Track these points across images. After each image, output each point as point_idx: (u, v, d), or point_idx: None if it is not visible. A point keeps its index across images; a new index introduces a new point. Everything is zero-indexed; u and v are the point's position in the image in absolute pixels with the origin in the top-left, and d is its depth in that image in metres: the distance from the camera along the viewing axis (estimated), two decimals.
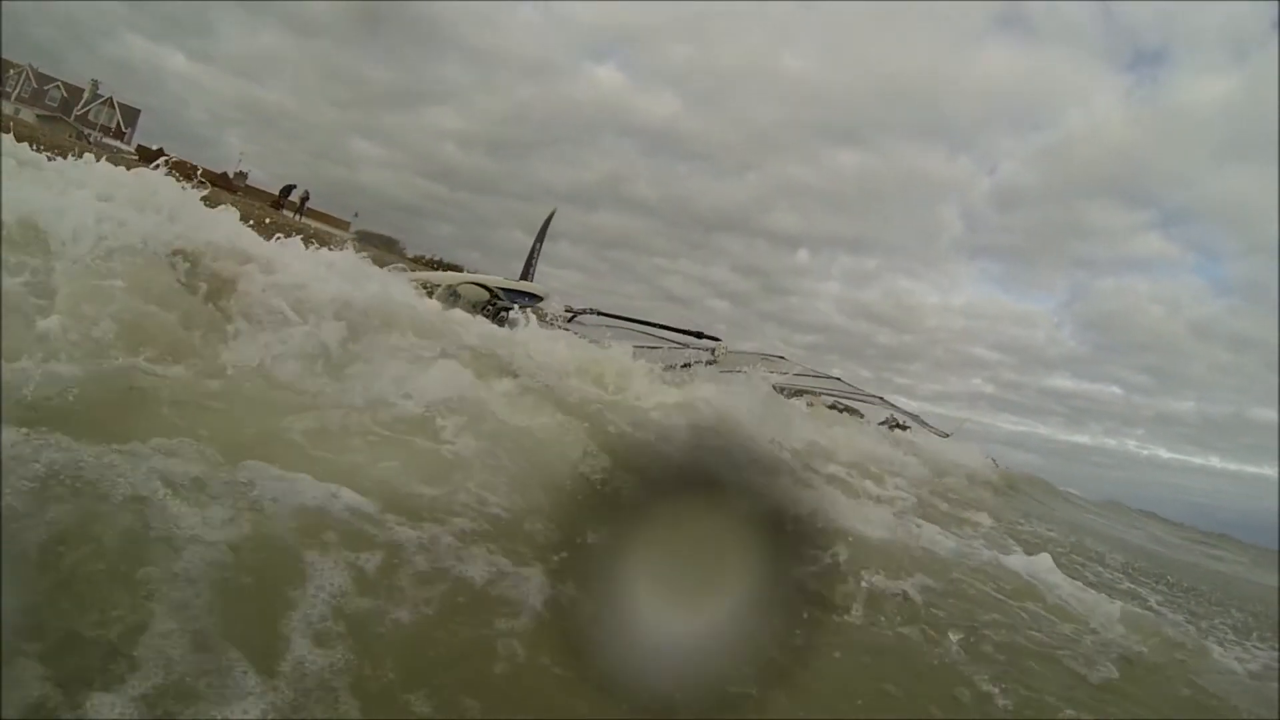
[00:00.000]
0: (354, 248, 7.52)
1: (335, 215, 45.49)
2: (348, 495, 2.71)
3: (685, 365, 11.65)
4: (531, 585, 2.67)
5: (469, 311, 9.83)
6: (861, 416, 16.45)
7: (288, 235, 6.65)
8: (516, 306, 10.32)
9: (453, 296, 10.01)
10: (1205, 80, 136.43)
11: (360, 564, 2.40)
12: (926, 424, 14.56)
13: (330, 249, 6.73)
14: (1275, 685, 4.37)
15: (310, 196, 38.40)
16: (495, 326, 7.57)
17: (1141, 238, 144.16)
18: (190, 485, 2.42)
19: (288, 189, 37.12)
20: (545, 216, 12.04)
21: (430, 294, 9.97)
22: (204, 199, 5.62)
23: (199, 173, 6.06)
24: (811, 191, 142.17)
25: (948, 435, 14.08)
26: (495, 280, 10.48)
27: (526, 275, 10.75)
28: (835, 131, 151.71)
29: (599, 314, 13.23)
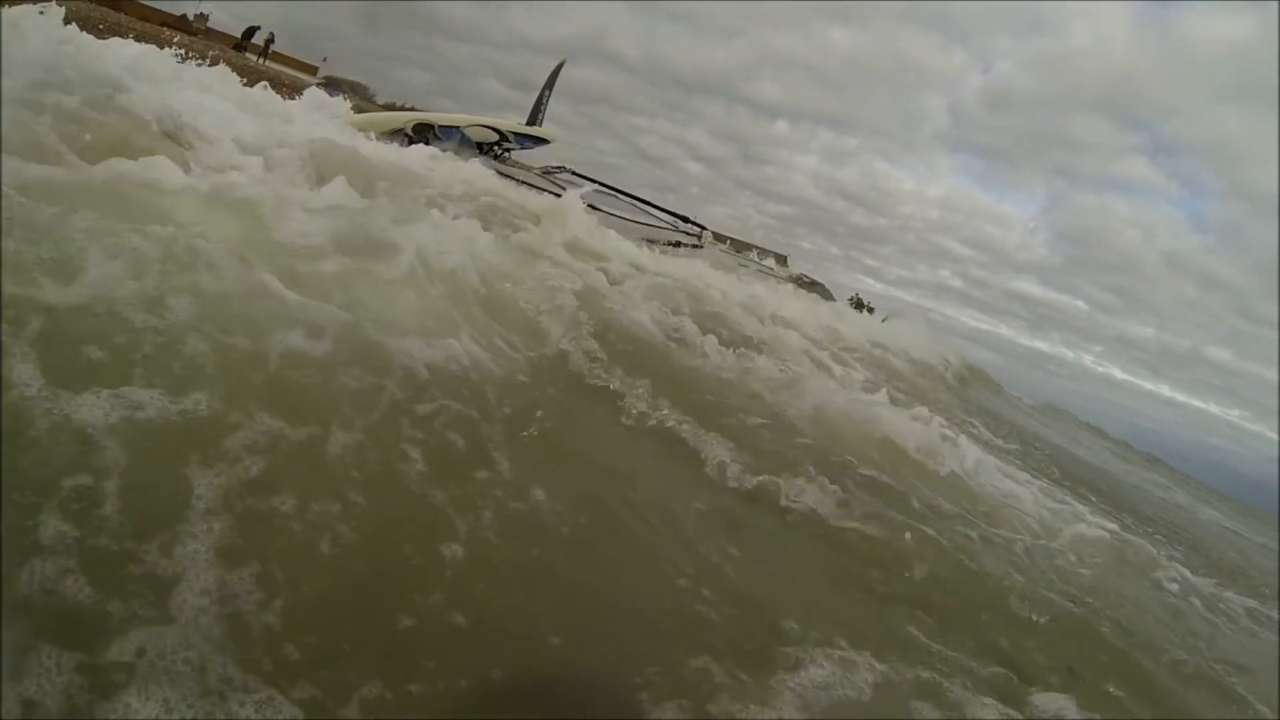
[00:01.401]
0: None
1: (303, 60, 43.15)
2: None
3: (675, 244, 12.16)
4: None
5: (468, 152, 10.21)
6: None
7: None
8: (518, 147, 10.70)
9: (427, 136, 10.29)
10: (1218, 20, 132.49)
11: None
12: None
13: None
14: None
15: (275, 39, 36.29)
16: None
17: (1128, 160, 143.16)
18: None
19: (250, 31, 35.08)
20: (554, 67, 12.28)
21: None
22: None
23: None
24: (798, 64, 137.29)
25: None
26: (508, 124, 10.85)
27: (533, 122, 10.97)
28: (830, 6, 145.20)
29: (575, 174, 13.50)
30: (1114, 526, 5.62)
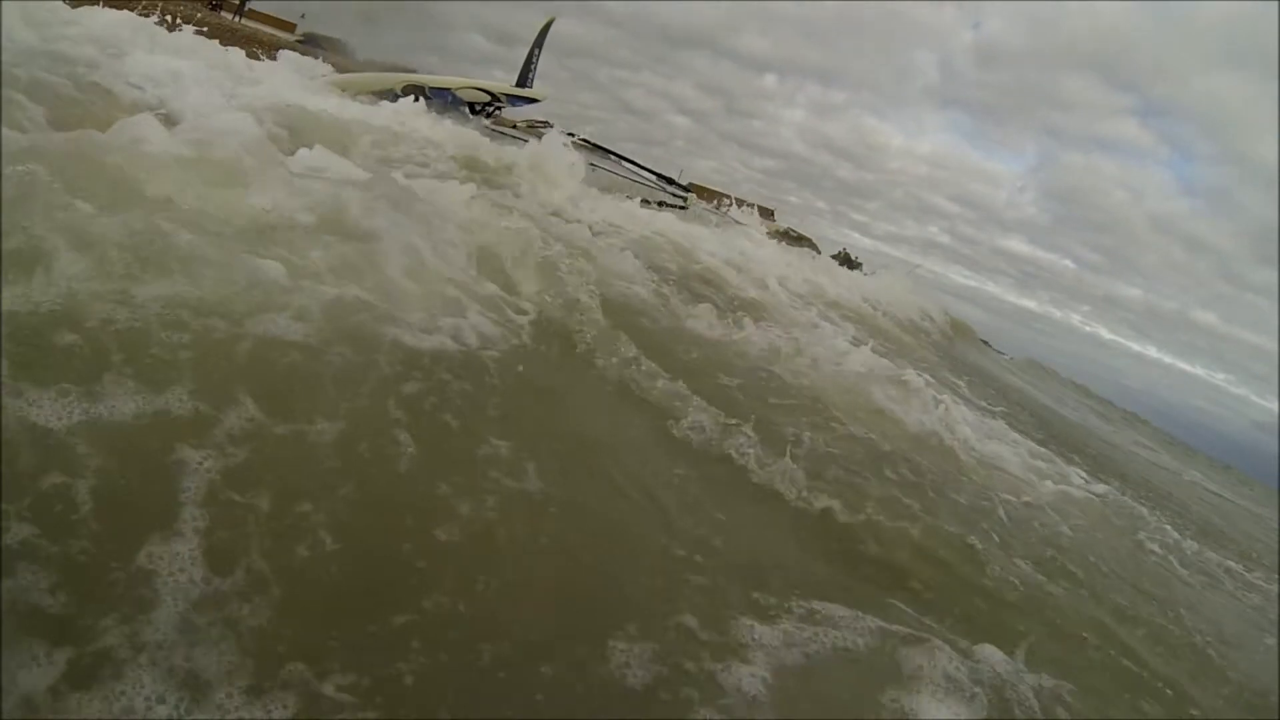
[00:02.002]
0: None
1: (280, 18, 42.06)
2: None
3: (661, 204, 12.21)
4: None
5: (459, 113, 10.19)
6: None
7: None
8: (509, 106, 10.72)
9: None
10: None
11: None
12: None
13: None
14: None
15: None
16: None
17: (1118, 120, 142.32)
18: None
19: None
20: (542, 25, 12.06)
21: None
22: None
23: None
24: (786, 16, 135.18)
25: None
26: (498, 86, 10.90)
27: (523, 82, 10.91)
28: None
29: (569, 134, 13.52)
30: (1100, 489, 5.66)
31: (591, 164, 10.84)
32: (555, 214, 6.11)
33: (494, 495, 2.36)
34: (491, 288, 3.79)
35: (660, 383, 3.68)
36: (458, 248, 3.87)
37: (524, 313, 3.76)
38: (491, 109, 10.59)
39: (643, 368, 3.72)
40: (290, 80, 8.18)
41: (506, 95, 10.72)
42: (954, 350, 13.88)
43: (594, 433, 3.14)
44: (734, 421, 3.54)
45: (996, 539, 3.54)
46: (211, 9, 30.31)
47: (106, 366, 2.10)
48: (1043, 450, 6.59)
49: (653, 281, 5.33)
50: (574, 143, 11.19)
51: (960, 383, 9.15)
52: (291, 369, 2.40)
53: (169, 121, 3.70)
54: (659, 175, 13.31)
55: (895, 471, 3.91)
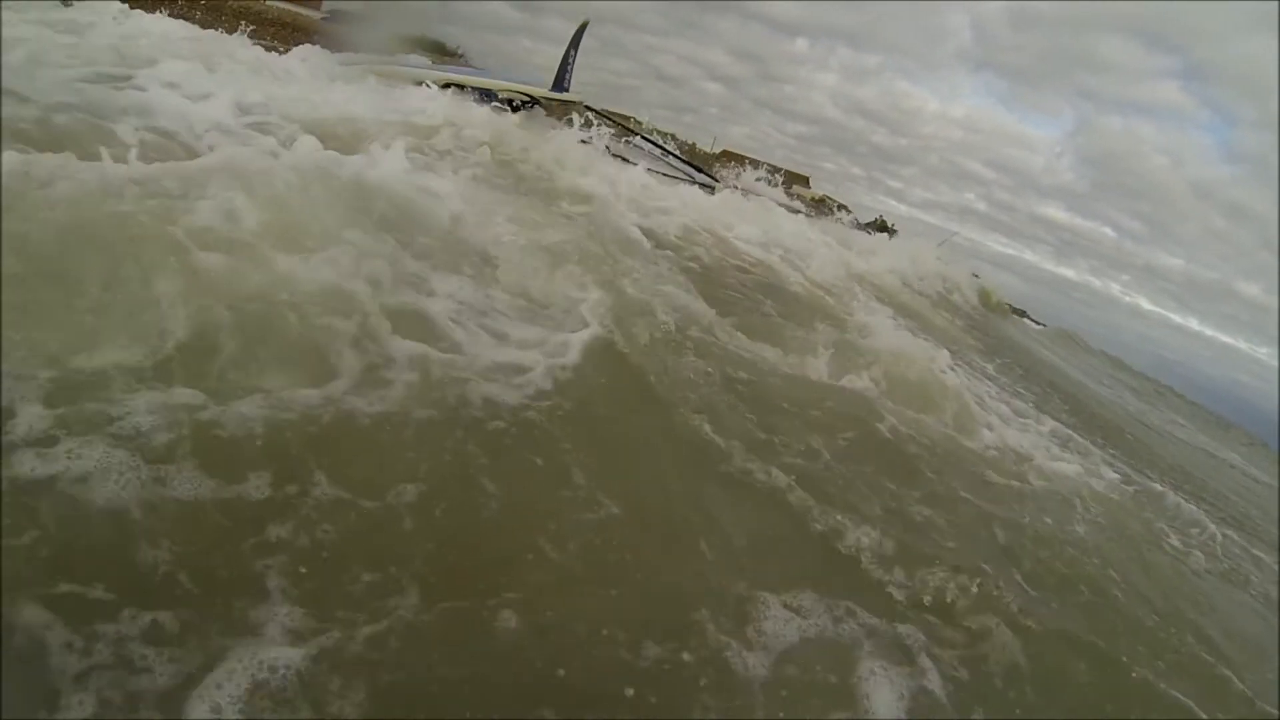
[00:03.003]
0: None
1: None
2: None
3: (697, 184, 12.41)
4: None
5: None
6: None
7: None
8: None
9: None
10: None
11: None
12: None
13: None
14: None
15: None
16: None
17: (1157, 83, 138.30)
18: None
19: None
20: (577, 27, 12.12)
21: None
22: None
23: None
24: None
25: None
26: (538, 90, 11.06)
27: (560, 85, 11.08)
28: None
29: (590, 109, 13.53)
30: (1117, 477, 5.57)
31: (619, 155, 10.88)
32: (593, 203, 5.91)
33: (577, 544, 2.32)
34: (547, 311, 3.70)
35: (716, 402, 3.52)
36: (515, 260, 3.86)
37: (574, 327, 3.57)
38: (530, 107, 10.91)
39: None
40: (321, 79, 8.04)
41: (546, 99, 10.99)
42: (987, 325, 13.66)
43: (654, 461, 2.96)
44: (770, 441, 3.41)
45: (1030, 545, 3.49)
46: None
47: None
48: (1076, 438, 6.53)
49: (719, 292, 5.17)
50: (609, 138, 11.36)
51: (988, 365, 9.03)
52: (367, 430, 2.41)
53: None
54: (687, 162, 13.41)
55: (926, 470, 3.86)
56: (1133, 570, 3.73)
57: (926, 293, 12.81)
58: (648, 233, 5.60)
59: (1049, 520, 3.83)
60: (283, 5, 35.99)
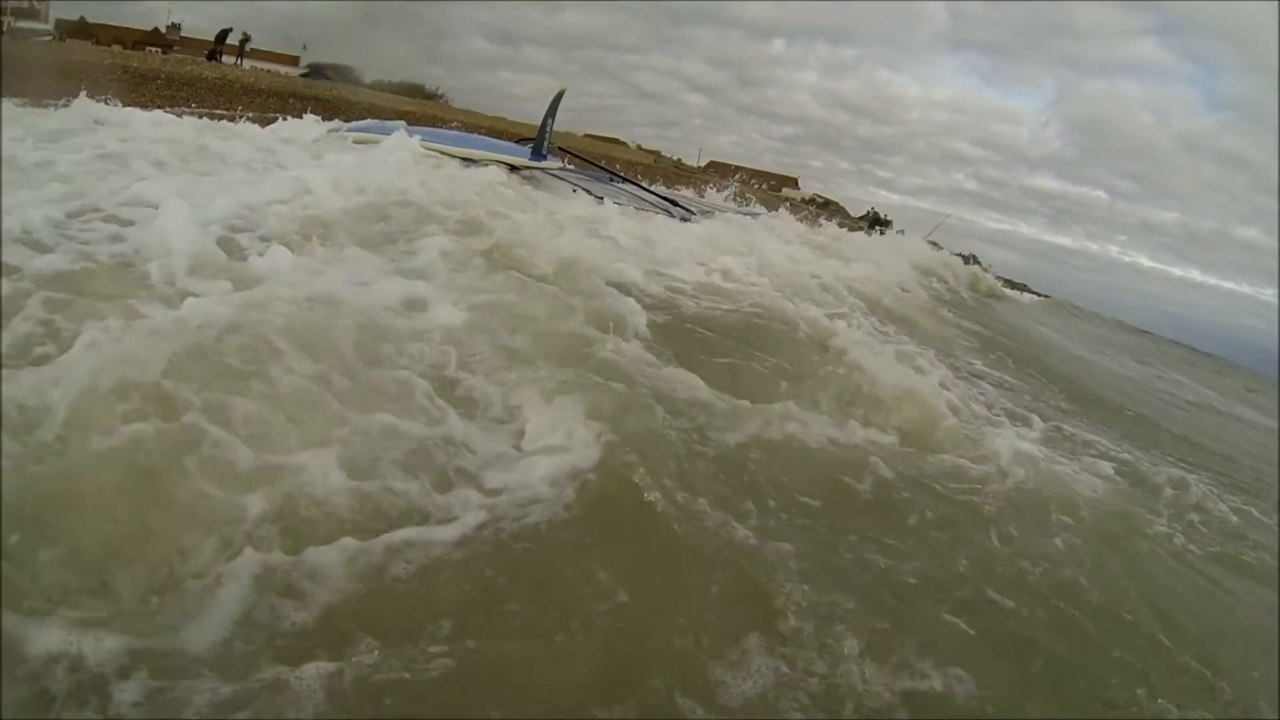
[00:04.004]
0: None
1: (282, 52, 42.75)
2: None
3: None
4: None
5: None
6: None
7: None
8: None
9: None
10: None
11: None
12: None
13: None
14: None
15: (251, 38, 35.96)
16: None
17: (1136, 42, 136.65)
18: None
19: (223, 35, 34.64)
20: (554, 95, 12.48)
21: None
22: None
23: None
24: None
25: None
26: (519, 160, 11.36)
27: (539, 152, 11.40)
28: None
29: (566, 153, 14.01)
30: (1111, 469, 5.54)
31: (589, 192, 11.21)
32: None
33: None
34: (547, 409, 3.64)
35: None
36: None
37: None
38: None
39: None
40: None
41: (526, 168, 11.33)
42: (981, 314, 13.77)
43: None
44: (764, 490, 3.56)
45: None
46: (210, 58, 30.95)
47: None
48: (1073, 432, 6.61)
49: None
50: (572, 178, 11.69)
51: (979, 362, 9.15)
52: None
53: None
54: (663, 197, 13.77)
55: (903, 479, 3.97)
56: (1118, 586, 3.75)
57: (914, 290, 12.89)
58: (623, 288, 5.78)
59: (1028, 545, 3.87)
60: (262, 66, 36.49)
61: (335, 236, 5.55)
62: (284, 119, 12.30)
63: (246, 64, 35.90)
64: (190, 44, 35.98)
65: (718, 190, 22.66)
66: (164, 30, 38.41)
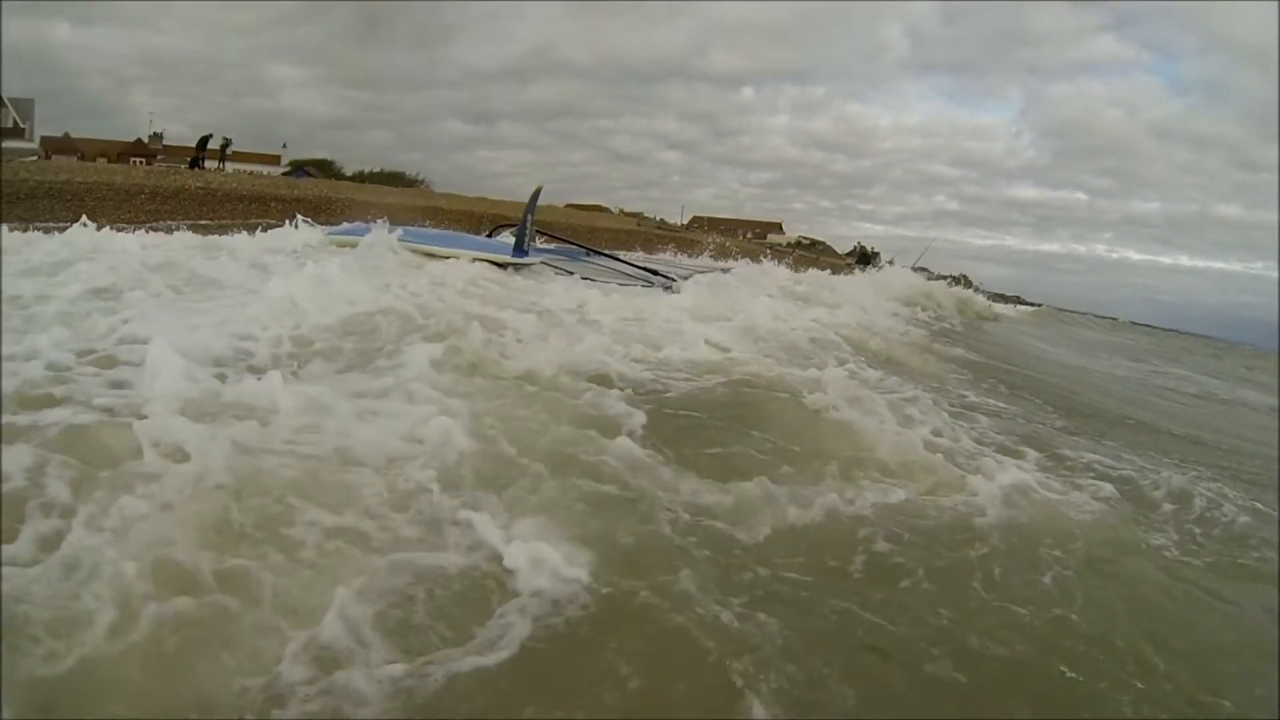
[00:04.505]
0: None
1: (264, 152, 43.86)
2: None
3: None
4: None
5: None
6: None
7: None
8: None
9: None
10: None
11: None
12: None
13: None
14: None
15: (232, 141, 36.90)
16: None
17: (1094, 40, 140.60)
18: None
19: (203, 141, 35.60)
20: (532, 192, 12.99)
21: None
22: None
23: None
24: (748, 26, 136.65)
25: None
26: (501, 257, 11.57)
27: (520, 245, 11.81)
28: None
29: (546, 235, 14.48)
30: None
31: (569, 273, 11.54)
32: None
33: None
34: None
35: None
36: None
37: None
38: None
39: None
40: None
41: (508, 264, 11.73)
42: (971, 339, 13.91)
43: None
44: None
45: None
46: (193, 166, 31.68)
47: None
48: (1068, 455, 6.62)
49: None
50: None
51: (972, 393, 9.24)
52: None
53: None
54: (642, 268, 14.08)
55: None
56: (1109, 613, 3.73)
57: (903, 327, 13.04)
58: (607, 380, 5.89)
59: (1016, 587, 3.86)
60: (245, 168, 37.38)
61: (327, 355, 5.70)
62: (265, 227, 12.60)
63: (230, 167, 36.81)
64: (173, 152, 36.94)
65: (697, 256, 23.03)
66: (146, 140, 39.44)
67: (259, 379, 4.83)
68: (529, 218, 11.87)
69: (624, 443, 4.57)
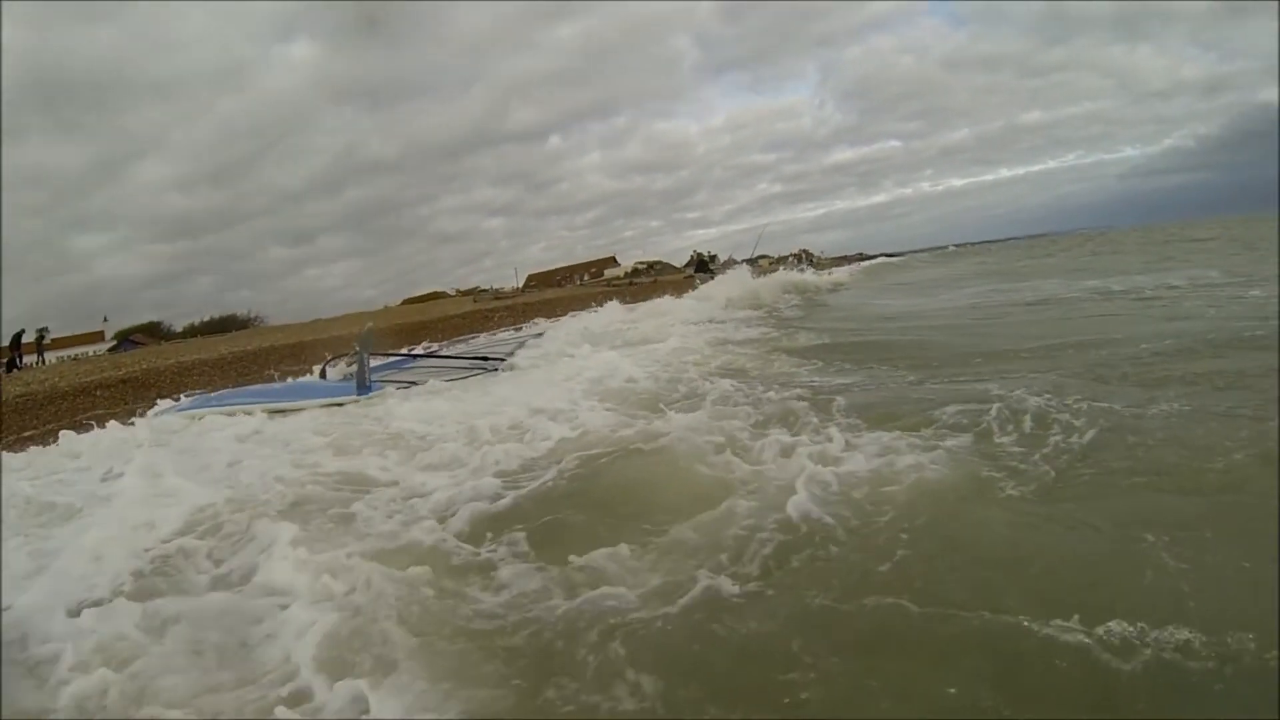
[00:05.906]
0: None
1: (85, 332, 41.31)
2: None
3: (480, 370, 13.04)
4: None
5: None
6: None
7: None
8: None
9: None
10: None
11: None
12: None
13: None
14: None
15: (49, 329, 34.69)
16: None
17: None
18: None
19: (16, 339, 33.25)
20: (363, 333, 13.04)
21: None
22: None
23: None
24: (540, 78, 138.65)
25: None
26: (349, 399, 11.29)
27: (362, 384, 11.61)
28: (543, 7, 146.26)
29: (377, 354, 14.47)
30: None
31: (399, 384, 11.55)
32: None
33: None
34: None
35: None
36: None
37: None
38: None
39: None
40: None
41: (352, 402, 11.63)
42: (811, 316, 14.46)
43: None
44: None
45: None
46: (10, 369, 29.48)
47: None
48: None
49: None
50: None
51: (816, 378, 9.55)
52: None
53: None
54: (472, 356, 14.09)
55: None
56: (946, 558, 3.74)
57: (741, 332, 13.39)
58: (450, 506, 5.70)
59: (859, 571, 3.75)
60: (68, 354, 34.95)
61: (175, 578, 5.35)
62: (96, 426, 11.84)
63: (51, 357, 34.51)
64: None
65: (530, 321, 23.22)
66: None
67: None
68: (365, 356, 11.74)
69: (472, 586, 4.37)
